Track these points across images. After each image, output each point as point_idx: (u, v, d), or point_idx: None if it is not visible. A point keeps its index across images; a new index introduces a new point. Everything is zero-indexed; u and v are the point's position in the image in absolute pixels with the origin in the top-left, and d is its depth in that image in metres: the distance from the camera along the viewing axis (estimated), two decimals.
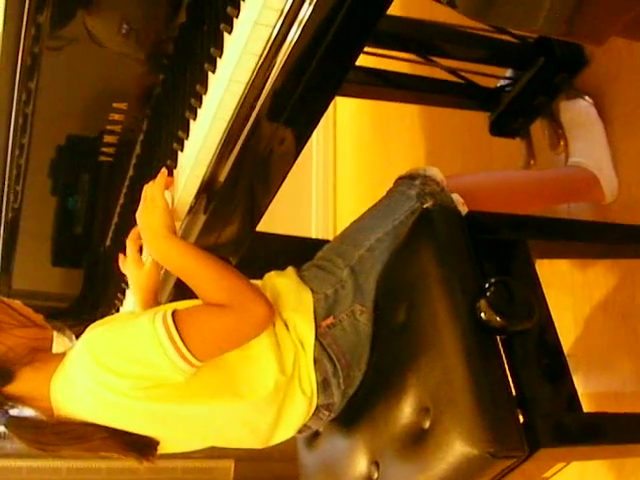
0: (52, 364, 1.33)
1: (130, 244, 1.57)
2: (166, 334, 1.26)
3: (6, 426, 1.35)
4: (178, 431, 1.38)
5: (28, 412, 1.36)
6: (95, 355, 1.27)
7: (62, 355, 1.35)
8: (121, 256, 1.62)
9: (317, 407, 1.42)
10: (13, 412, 1.35)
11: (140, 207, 1.46)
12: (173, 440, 1.40)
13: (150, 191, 1.46)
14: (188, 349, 1.26)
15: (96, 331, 1.33)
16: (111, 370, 1.26)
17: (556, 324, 1.42)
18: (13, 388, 1.33)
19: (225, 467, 3.27)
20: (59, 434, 1.32)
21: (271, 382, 1.36)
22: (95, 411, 1.31)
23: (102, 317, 1.81)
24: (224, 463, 3.27)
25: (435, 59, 2.15)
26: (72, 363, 1.31)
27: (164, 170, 1.48)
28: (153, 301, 1.58)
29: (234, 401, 1.36)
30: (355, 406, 1.46)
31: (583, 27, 0.96)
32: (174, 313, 1.29)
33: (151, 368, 1.27)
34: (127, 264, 1.59)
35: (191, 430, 1.40)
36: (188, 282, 1.40)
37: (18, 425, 1.35)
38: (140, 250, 1.58)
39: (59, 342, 1.40)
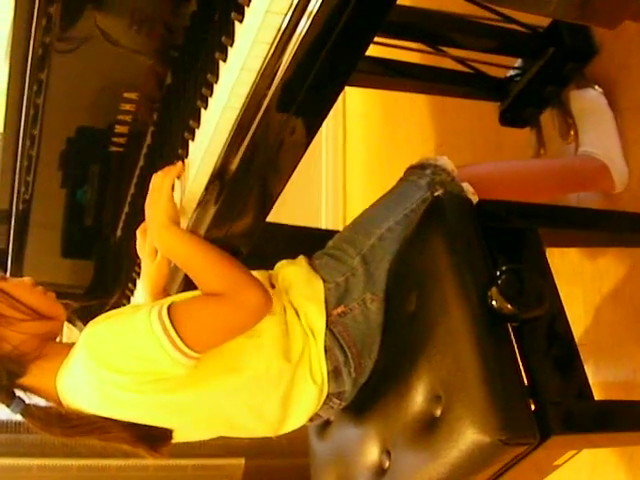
0: (59, 357, 1.34)
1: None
2: (161, 328, 1.26)
3: (22, 414, 1.35)
4: (185, 420, 1.39)
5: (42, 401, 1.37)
6: (94, 353, 1.28)
7: (69, 347, 1.35)
8: (139, 239, 1.59)
9: (328, 396, 1.43)
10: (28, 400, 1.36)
11: (148, 197, 1.47)
12: (181, 430, 1.40)
13: (158, 181, 1.46)
14: (184, 342, 1.26)
15: (95, 328, 1.32)
16: (111, 367, 1.26)
17: (566, 314, 1.42)
18: (22, 381, 1.34)
19: (235, 464, 3.25)
20: (68, 428, 1.33)
21: (272, 366, 1.37)
22: (102, 406, 1.32)
23: (113, 307, 1.82)
24: (234, 461, 3.25)
25: (445, 49, 2.15)
26: (75, 360, 1.31)
27: (179, 163, 1.48)
28: (161, 294, 1.58)
29: (232, 376, 1.35)
30: (366, 395, 1.46)
31: (595, 10, 0.95)
32: (170, 307, 1.29)
33: (150, 363, 1.27)
34: (143, 254, 1.59)
35: (198, 418, 1.40)
36: (188, 272, 1.40)
37: (30, 415, 1.35)
38: None
39: (68, 333, 1.41)
